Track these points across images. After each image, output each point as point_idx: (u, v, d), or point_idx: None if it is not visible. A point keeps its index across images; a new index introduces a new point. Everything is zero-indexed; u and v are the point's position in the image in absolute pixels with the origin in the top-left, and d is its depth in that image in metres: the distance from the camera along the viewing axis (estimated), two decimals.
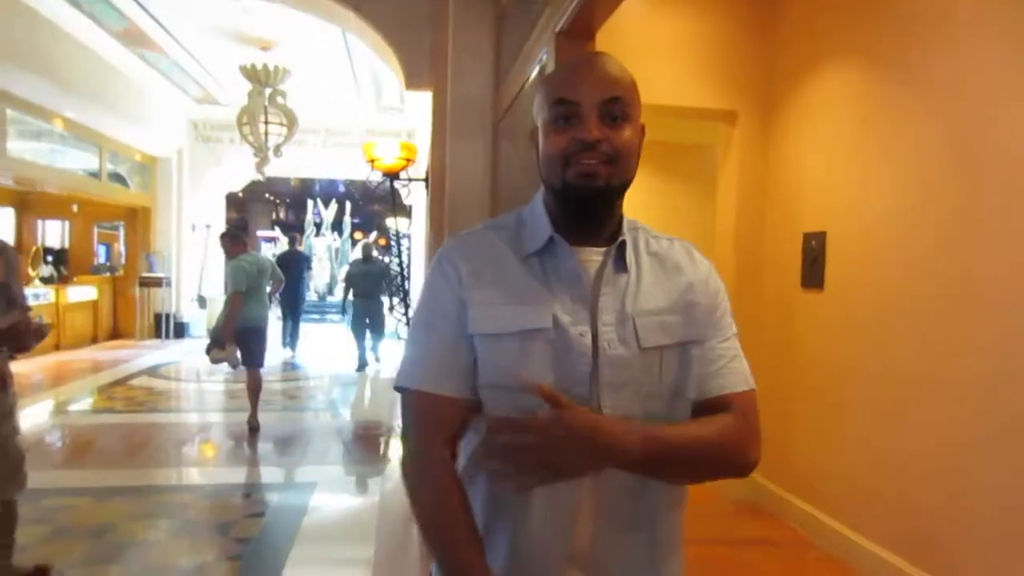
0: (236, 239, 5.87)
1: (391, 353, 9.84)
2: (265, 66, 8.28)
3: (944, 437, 2.96)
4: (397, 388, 1.08)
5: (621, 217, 1.10)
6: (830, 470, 3.71)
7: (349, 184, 20.87)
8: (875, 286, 3.41)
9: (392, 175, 6.05)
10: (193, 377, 8.86)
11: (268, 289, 6.01)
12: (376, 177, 6.32)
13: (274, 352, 10.05)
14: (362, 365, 9.27)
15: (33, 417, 6.85)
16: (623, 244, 1.07)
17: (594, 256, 1.07)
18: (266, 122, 8.40)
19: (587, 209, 1.05)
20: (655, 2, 4.19)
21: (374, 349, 9.63)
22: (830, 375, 3.74)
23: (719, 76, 4.29)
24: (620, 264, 1.07)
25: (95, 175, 10.46)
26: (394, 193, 6.43)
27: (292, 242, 12.51)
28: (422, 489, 1.05)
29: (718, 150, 4.61)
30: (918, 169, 3.15)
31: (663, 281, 1.08)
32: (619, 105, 1.02)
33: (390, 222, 11.48)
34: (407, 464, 1.07)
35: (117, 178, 11.24)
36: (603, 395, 1.00)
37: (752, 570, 3.35)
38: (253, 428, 5.93)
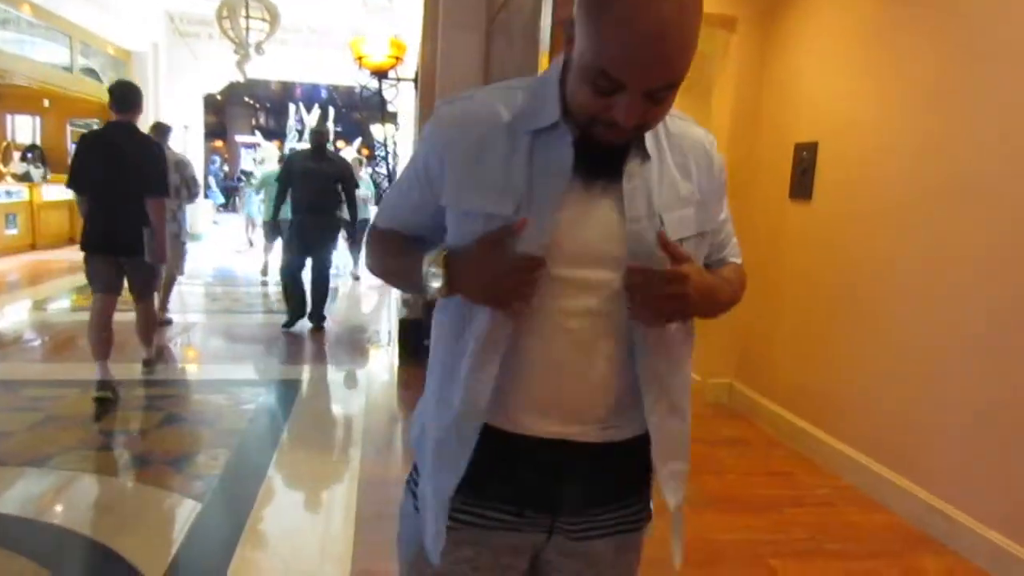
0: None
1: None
2: None
3: (920, 343, 3.07)
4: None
5: None
6: (805, 375, 3.83)
7: (332, 90, 20.29)
8: (862, 197, 3.43)
9: (380, 74, 5.88)
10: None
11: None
12: (363, 77, 6.15)
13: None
14: (294, 320, 6.17)
15: (13, 314, 6.83)
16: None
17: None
18: (247, 16, 8.06)
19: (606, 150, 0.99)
20: None
21: (314, 315, 6.27)
22: (813, 284, 3.81)
23: None
24: (641, 149, 1.00)
25: (67, 69, 10.07)
26: (382, 97, 6.28)
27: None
28: (370, 240, 1.23)
29: (715, 58, 4.52)
30: (913, 78, 3.12)
31: (683, 169, 1.05)
32: (670, 89, 0.91)
33: (376, 130, 11.23)
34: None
35: (90, 73, 10.84)
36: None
37: (724, 466, 3.51)
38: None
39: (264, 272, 8.94)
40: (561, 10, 3.12)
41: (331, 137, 7.50)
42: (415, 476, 1.14)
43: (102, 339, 4.09)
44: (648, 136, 1.01)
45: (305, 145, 16.93)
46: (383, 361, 5.67)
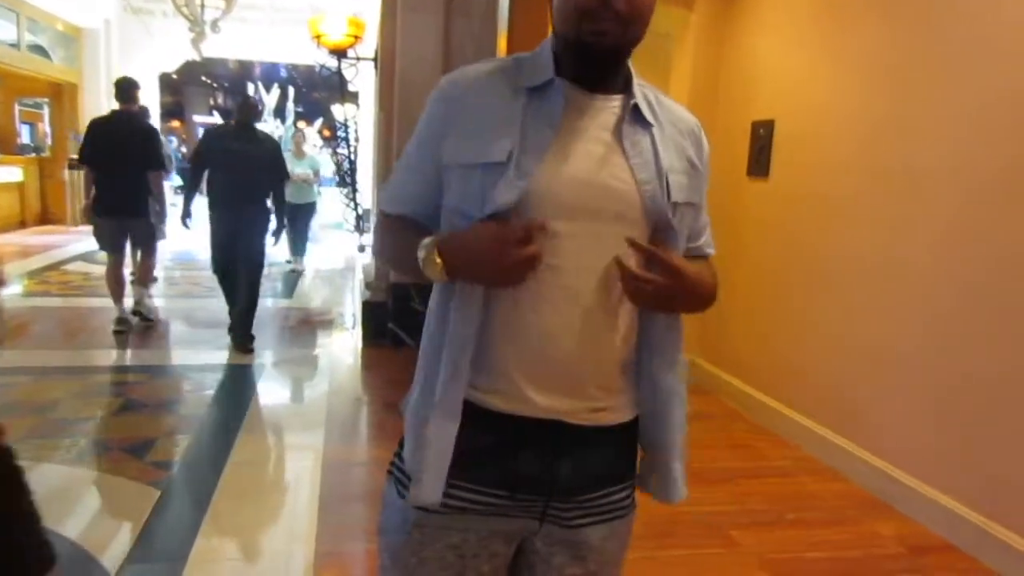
0: None
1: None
2: None
3: (873, 317, 3.14)
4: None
5: (629, 68, 1.11)
6: (764, 350, 3.91)
7: (292, 69, 19.88)
8: (816, 175, 3.48)
9: (339, 53, 5.78)
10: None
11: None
12: (322, 56, 6.03)
13: None
14: (237, 340, 4.99)
15: None
16: (637, 96, 1.08)
17: (611, 103, 1.07)
18: None
19: (597, 62, 1.05)
20: None
21: (239, 335, 4.98)
22: (771, 261, 3.87)
23: None
24: (639, 116, 1.07)
25: (13, 45, 9.71)
26: (341, 76, 6.17)
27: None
28: (377, 227, 1.22)
29: (673, 36, 4.53)
30: (869, 59, 3.17)
31: (678, 140, 1.11)
32: None
33: (336, 110, 11.04)
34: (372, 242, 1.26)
35: (38, 50, 10.46)
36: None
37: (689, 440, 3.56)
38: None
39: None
40: None
41: (262, 113, 4.89)
42: (399, 462, 1.13)
43: (117, 288, 5.22)
44: (644, 107, 1.08)
45: (265, 126, 15.97)
46: (347, 343, 5.63)
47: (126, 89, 5.16)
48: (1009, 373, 2.52)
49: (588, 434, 1.05)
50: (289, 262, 8.43)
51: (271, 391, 4.37)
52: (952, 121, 2.76)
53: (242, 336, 4.96)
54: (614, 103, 1.07)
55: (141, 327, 5.44)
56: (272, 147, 5.11)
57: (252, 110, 5.08)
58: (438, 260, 1.00)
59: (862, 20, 3.23)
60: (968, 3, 2.71)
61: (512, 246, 0.95)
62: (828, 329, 3.41)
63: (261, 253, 4.99)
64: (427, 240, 1.03)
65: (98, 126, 5.15)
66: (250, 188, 4.83)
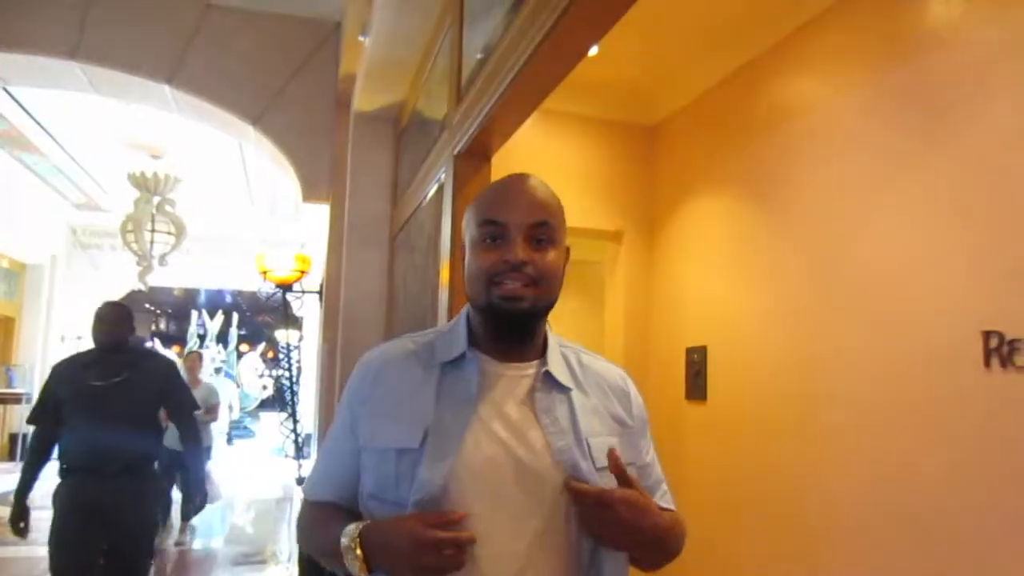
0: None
1: None
2: (155, 174, 8.09)
3: (827, 537, 3.08)
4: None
5: (545, 334, 1.11)
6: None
7: (237, 294, 20.24)
8: (753, 398, 3.59)
9: (285, 287, 5.94)
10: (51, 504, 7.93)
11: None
12: (268, 288, 6.19)
13: None
14: None
15: None
16: (550, 362, 1.09)
17: (526, 371, 1.07)
18: (152, 230, 8.12)
19: (511, 328, 1.06)
20: (547, 129, 4.47)
21: None
22: (716, 484, 3.84)
23: (606, 198, 4.57)
24: (554, 382, 1.07)
25: None
26: (286, 305, 6.30)
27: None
28: (301, 518, 1.18)
29: (605, 267, 4.84)
30: (783, 285, 3.43)
31: (603, 401, 1.11)
32: (545, 229, 1.04)
33: (280, 334, 11.12)
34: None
35: None
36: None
37: None
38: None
39: None
40: (461, 226, 3.34)
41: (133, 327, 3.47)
42: None
43: None
44: (562, 370, 1.08)
45: (207, 351, 15.30)
46: None
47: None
48: None
49: None
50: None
51: None
52: (872, 348, 2.91)
53: None
54: (529, 372, 1.07)
55: None
56: (161, 371, 3.44)
57: (123, 325, 3.34)
58: (359, 552, 0.97)
59: (770, 249, 3.53)
60: (866, 238, 3.00)
61: (431, 547, 0.91)
62: (783, 556, 3.32)
63: (147, 543, 3.32)
64: (352, 527, 0.99)
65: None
66: (125, 441, 3.10)
